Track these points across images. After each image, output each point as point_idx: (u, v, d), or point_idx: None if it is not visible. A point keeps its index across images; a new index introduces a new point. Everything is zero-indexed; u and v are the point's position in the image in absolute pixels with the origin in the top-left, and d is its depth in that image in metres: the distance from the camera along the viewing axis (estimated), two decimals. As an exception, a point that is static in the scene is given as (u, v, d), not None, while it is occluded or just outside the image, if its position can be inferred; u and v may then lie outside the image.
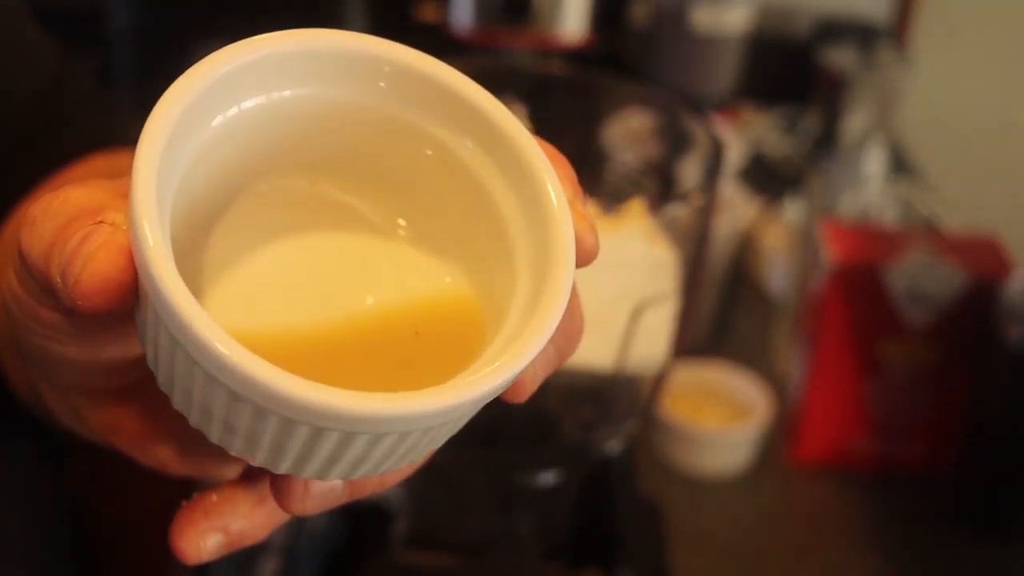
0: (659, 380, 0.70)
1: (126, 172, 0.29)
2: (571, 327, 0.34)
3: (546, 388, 0.34)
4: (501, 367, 0.29)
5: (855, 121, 1.26)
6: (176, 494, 0.37)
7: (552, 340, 0.31)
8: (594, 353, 0.64)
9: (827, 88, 1.32)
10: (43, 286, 0.30)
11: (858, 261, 0.89)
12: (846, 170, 1.20)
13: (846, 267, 0.89)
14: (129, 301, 0.29)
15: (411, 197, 0.35)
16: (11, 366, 0.40)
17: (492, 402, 0.32)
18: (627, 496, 0.75)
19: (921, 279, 0.88)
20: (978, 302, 0.87)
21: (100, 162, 0.49)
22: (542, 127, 0.65)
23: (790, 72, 1.46)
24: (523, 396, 0.32)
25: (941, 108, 1.70)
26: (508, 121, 0.32)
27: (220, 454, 0.39)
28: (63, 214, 0.29)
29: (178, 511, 0.33)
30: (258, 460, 0.31)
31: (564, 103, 0.72)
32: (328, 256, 0.34)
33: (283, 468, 0.31)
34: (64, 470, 0.73)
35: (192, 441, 0.39)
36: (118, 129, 0.54)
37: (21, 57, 0.53)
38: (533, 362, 0.31)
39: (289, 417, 0.27)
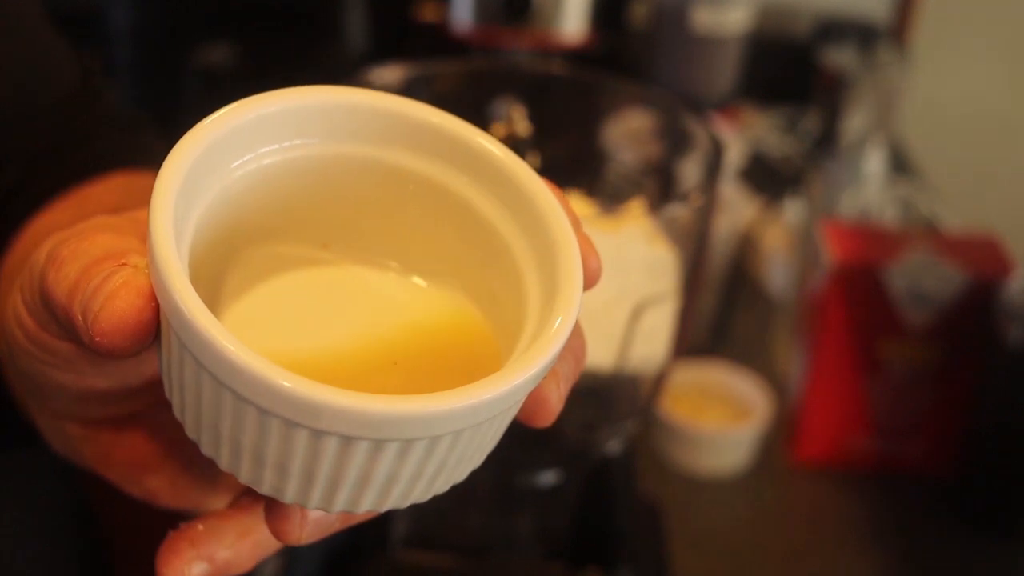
0: (659, 380, 0.70)
1: (144, 193, 0.29)
2: (579, 344, 0.34)
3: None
4: (530, 357, 0.29)
5: (855, 121, 1.26)
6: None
7: (573, 353, 0.31)
8: (594, 353, 0.64)
9: (827, 88, 1.32)
10: (64, 323, 0.31)
11: (858, 261, 0.89)
12: (846, 170, 1.20)
13: (846, 267, 0.89)
14: (146, 340, 0.30)
15: (416, 239, 0.35)
16: (11, 384, 0.41)
17: (517, 427, 0.31)
18: (627, 496, 0.75)
19: (921, 279, 0.88)
20: (978, 302, 0.87)
21: (119, 180, 0.49)
22: (542, 127, 0.65)
23: (790, 72, 1.46)
24: (550, 417, 0.32)
25: (941, 108, 1.70)
26: (506, 157, 0.33)
27: (210, 486, 0.39)
28: (89, 255, 0.30)
29: (164, 539, 0.33)
30: (289, 492, 0.30)
31: (564, 103, 0.72)
32: (338, 292, 0.34)
33: (315, 498, 0.30)
34: (77, 477, 0.73)
35: (183, 473, 0.39)
36: (138, 146, 0.54)
37: (42, 68, 0.52)
38: (556, 380, 0.31)
39: (320, 429, 0.27)
